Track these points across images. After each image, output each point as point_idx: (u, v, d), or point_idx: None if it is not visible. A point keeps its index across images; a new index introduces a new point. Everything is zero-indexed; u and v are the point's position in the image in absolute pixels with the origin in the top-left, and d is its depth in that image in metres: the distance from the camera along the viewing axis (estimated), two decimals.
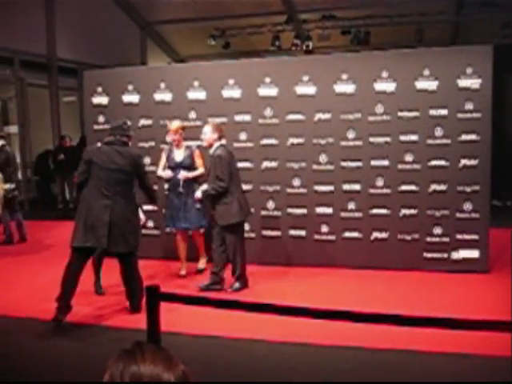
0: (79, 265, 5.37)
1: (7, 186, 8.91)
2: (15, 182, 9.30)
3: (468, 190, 6.92)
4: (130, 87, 7.94)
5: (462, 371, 4.11)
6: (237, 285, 6.28)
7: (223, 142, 6.32)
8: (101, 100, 8.09)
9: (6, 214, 9.21)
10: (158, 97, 7.84)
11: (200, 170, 6.82)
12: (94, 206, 5.35)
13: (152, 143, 7.78)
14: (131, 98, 7.95)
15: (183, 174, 6.71)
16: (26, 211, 11.64)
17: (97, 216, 5.32)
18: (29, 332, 5.18)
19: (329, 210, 7.33)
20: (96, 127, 8.08)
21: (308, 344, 4.64)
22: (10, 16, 11.83)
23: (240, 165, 7.48)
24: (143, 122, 7.83)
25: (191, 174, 6.76)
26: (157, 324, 3.13)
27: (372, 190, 7.18)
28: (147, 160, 7.82)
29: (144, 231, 7.94)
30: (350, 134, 7.19)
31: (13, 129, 13.61)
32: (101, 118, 8.06)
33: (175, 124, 6.84)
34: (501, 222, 8.37)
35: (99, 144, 5.79)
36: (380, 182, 7.14)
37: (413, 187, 7.06)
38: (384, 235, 7.19)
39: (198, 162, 6.85)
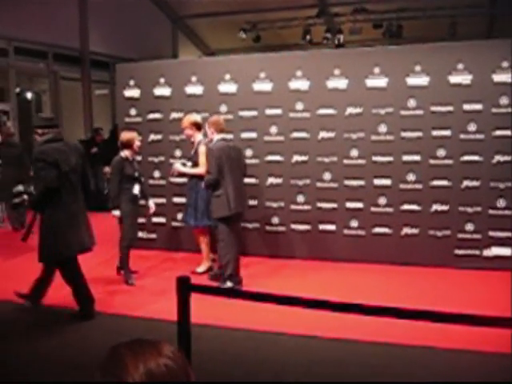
0: (77, 266, 5.30)
1: None
2: None
3: (502, 186, 6.81)
4: (162, 80, 7.99)
5: (488, 369, 4.06)
6: (222, 277, 6.14)
7: (222, 135, 6.21)
8: (133, 93, 8.16)
9: None
10: (189, 90, 7.88)
11: (198, 169, 6.57)
12: (70, 213, 5.10)
13: (183, 136, 7.81)
14: (163, 91, 8.01)
15: (177, 168, 6.70)
16: None
17: (76, 222, 5.13)
18: (58, 321, 5.28)
19: (359, 205, 7.29)
20: (128, 120, 8.16)
21: (337, 339, 4.64)
22: (44, 10, 12.00)
23: (270, 158, 7.52)
24: (174, 115, 7.87)
25: (183, 169, 6.68)
26: (187, 315, 3.16)
27: (403, 186, 7.12)
28: (177, 153, 7.87)
29: (174, 223, 8.02)
30: (382, 129, 7.13)
31: None
32: (133, 111, 8.14)
33: (185, 120, 6.73)
34: None
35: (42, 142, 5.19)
36: (411, 177, 7.06)
37: (445, 183, 6.98)
38: (415, 231, 7.12)
39: (201, 159, 6.56)
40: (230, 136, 6.78)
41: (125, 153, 6.42)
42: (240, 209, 6.16)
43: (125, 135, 6.53)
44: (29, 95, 14.08)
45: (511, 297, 4.97)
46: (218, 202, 6.03)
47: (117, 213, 6.28)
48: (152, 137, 7.99)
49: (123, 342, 1.13)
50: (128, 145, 6.43)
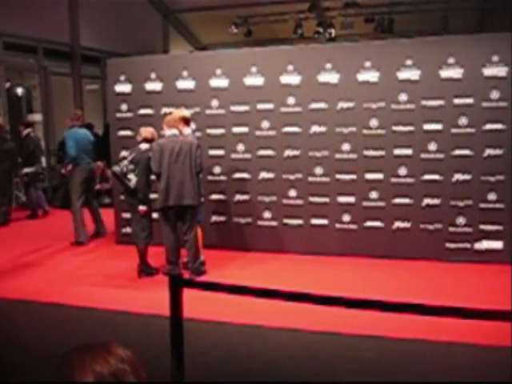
0: None
1: (30, 169, 10.19)
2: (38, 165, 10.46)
3: (492, 179, 6.84)
4: (153, 75, 7.96)
5: (482, 362, 4.09)
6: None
7: (173, 131, 6.41)
8: (124, 88, 8.13)
9: (32, 191, 10.41)
10: (180, 85, 7.86)
11: None
12: None
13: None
14: (154, 86, 7.98)
15: None
16: (49, 198, 11.88)
17: None
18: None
19: (351, 199, 7.30)
20: (119, 115, 8.13)
21: (330, 332, 4.65)
22: (34, 5, 11.92)
23: (262, 153, 7.52)
24: (165, 110, 7.83)
25: None
26: (179, 311, 3.16)
27: (394, 180, 7.14)
28: None
29: None
30: (373, 123, 7.14)
31: (37, 117, 13.74)
32: (124, 106, 8.11)
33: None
34: None
35: None
36: (403, 172, 7.08)
37: (436, 177, 7.00)
38: (406, 225, 7.15)
39: None
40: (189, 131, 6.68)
41: (145, 146, 6.54)
42: (177, 202, 6.27)
43: (148, 130, 6.72)
44: (19, 90, 13.98)
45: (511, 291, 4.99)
46: (158, 194, 6.38)
47: (144, 207, 6.47)
48: None
49: (74, 347, 1.14)
50: (152, 139, 6.62)
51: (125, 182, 6.46)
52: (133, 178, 6.41)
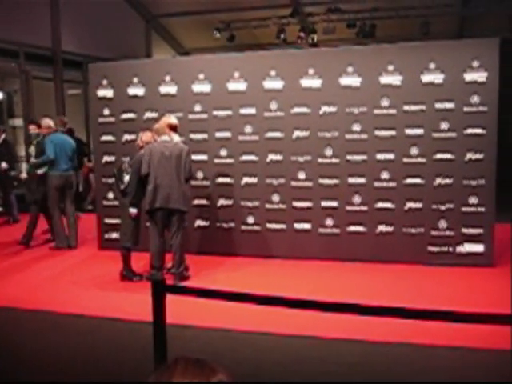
0: None
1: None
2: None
3: (473, 183, 6.90)
4: (135, 80, 7.93)
5: (465, 364, 4.12)
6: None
7: (164, 137, 6.40)
8: (106, 93, 8.08)
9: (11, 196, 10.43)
10: (163, 90, 7.84)
11: None
12: None
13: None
14: (136, 90, 7.95)
15: None
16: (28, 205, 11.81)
17: None
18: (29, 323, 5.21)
19: (334, 204, 7.33)
20: (101, 120, 8.09)
21: (315, 337, 4.65)
22: (15, 9, 11.82)
23: (245, 158, 7.53)
24: (148, 114, 7.82)
25: None
26: (162, 316, 3.14)
27: (377, 184, 7.17)
28: None
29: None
30: (356, 128, 7.17)
31: (18, 122, 13.62)
32: (106, 111, 8.06)
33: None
34: (508, 216, 8.29)
35: None
36: (385, 176, 7.12)
37: (418, 181, 7.05)
38: (389, 229, 7.19)
39: None
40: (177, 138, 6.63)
41: None
42: (164, 205, 6.25)
43: (147, 135, 6.65)
44: (0, 95, 13.85)
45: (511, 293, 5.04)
46: (146, 196, 6.34)
47: (134, 210, 6.41)
48: (126, 137, 7.92)
49: (186, 357, 1.15)
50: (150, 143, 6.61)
51: (118, 182, 6.57)
52: (127, 180, 6.47)
